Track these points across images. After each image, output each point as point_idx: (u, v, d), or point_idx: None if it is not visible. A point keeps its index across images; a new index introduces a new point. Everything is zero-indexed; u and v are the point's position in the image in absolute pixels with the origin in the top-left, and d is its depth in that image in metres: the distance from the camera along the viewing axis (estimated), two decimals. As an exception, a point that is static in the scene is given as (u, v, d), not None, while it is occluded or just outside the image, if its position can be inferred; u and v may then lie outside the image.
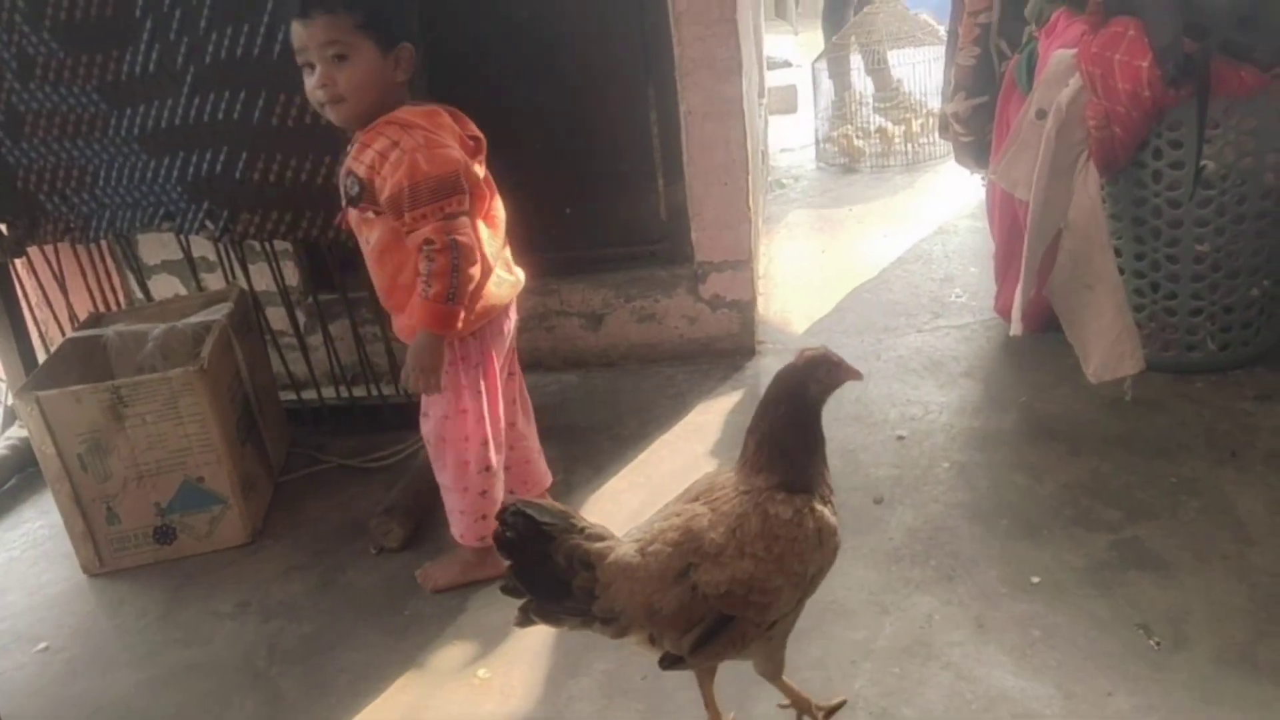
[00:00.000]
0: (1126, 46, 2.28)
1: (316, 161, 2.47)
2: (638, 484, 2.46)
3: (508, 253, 2.10)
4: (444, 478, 2.09)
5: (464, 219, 1.84)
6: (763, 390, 2.62)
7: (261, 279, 2.82)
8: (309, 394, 2.88)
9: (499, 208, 2.06)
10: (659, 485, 2.43)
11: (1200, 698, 1.67)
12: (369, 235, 1.93)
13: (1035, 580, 1.98)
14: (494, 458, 2.06)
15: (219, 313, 2.55)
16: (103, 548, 2.36)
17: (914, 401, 2.65)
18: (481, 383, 2.01)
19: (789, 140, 4.97)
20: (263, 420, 2.59)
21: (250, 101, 2.44)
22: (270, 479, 2.60)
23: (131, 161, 2.61)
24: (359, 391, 2.88)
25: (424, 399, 2.03)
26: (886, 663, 1.83)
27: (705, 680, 1.62)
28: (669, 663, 1.52)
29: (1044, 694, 1.71)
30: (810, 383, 1.51)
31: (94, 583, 2.37)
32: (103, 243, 2.90)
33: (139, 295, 2.99)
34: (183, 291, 3.04)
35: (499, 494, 2.09)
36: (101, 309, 2.85)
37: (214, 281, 2.94)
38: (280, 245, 2.81)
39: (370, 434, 2.75)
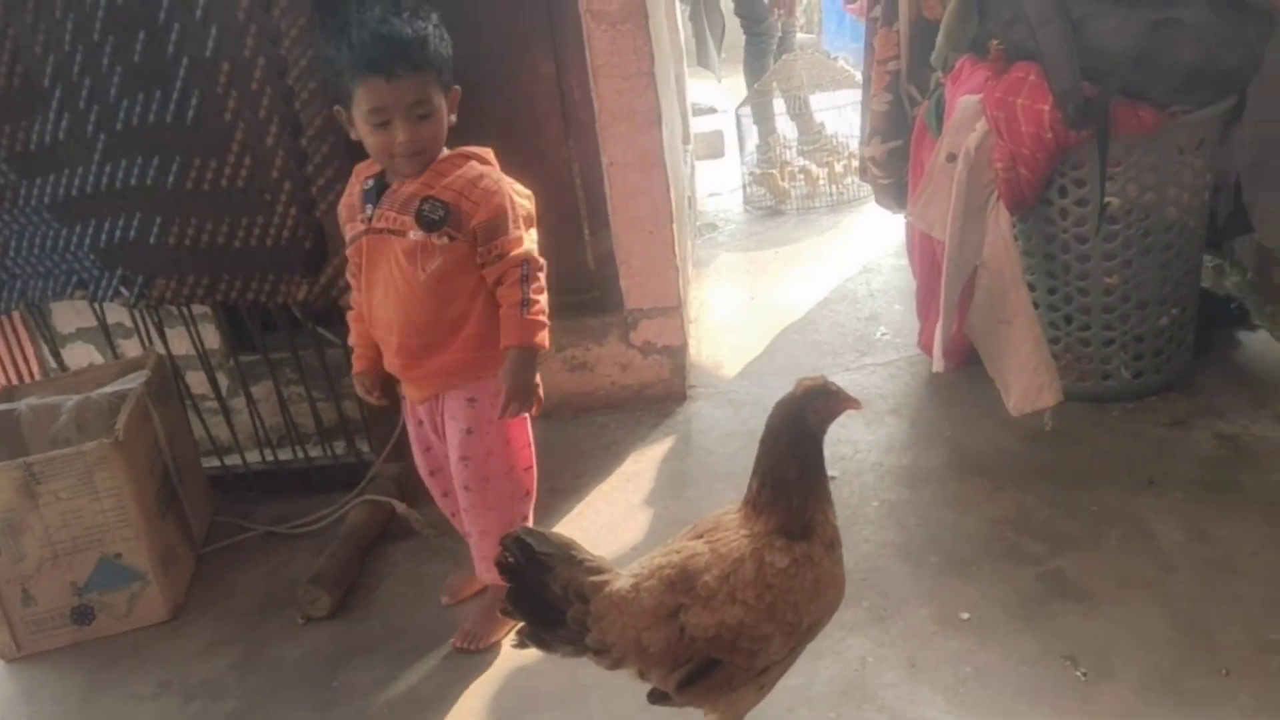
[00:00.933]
0: (1028, 91, 2.35)
1: (234, 224, 2.45)
2: (573, 537, 2.43)
3: None
4: (488, 519, 2.03)
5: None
6: (695, 436, 2.63)
7: (180, 343, 2.77)
8: (233, 459, 2.82)
9: None
10: (594, 538, 2.41)
11: (1128, 728, 1.69)
12: (426, 264, 1.89)
13: (965, 616, 2.00)
14: (532, 485, 2.12)
15: (135, 381, 2.49)
16: (19, 631, 2.27)
17: (844, 441, 2.67)
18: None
19: (716, 185, 5.02)
20: (183, 490, 2.52)
21: (164, 166, 2.41)
22: (192, 551, 2.53)
23: (43, 231, 2.55)
24: (285, 454, 2.82)
25: (462, 442, 2.00)
26: (823, 709, 1.83)
27: None
28: (656, 698, 1.54)
29: (977, 733, 1.73)
30: (808, 413, 1.52)
31: (10, 668, 2.28)
32: (15, 313, 2.83)
33: (53, 365, 2.91)
34: (99, 359, 2.96)
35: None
36: (14, 381, 2.77)
37: (131, 348, 2.87)
38: (199, 308, 2.77)
39: (297, 498, 2.70)
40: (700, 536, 1.56)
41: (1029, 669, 1.85)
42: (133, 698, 2.11)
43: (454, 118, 1.95)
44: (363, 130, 1.87)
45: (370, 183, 1.94)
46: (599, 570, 1.51)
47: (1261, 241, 2.87)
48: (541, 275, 1.94)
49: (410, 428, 2.15)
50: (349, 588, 2.31)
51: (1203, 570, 2.02)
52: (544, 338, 1.93)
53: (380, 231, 1.91)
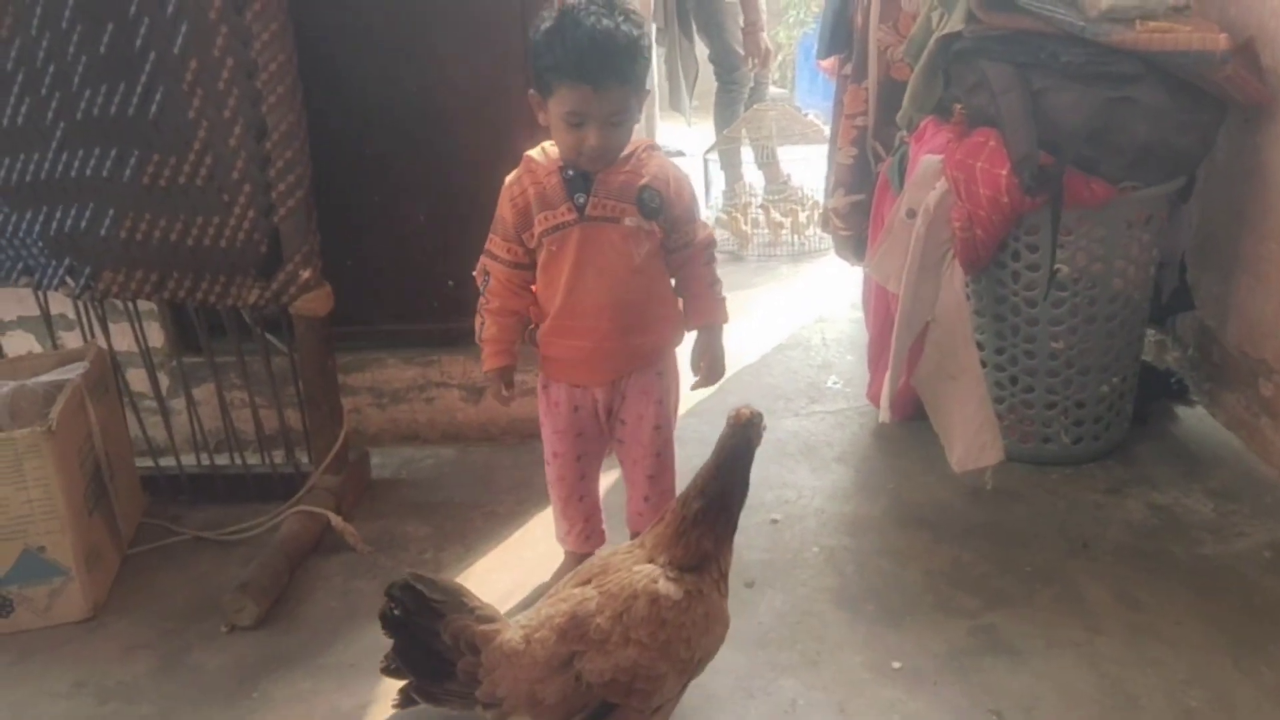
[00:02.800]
0: (988, 155, 2.41)
1: (189, 222, 2.42)
2: (510, 563, 2.42)
3: None
4: (669, 478, 2.18)
5: None
6: None
7: (123, 339, 2.71)
8: (168, 461, 2.76)
9: None
10: (532, 565, 2.39)
11: (1048, 785, 1.71)
12: (639, 249, 1.97)
13: (897, 665, 2.00)
14: None
15: (73, 372, 2.43)
16: (-71, 621, 2.19)
17: (789, 485, 2.68)
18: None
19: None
20: (114, 487, 2.46)
21: (122, 159, 2.38)
22: (118, 551, 2.46)
23: (-9, 214, 2.50)
24: (221, 460, 2.77)
25: (656, 412, 2.12)
26: (749, 752, 1.82)
27: None
28: None
29: (900, 782, 1.73)
30: (755, 439, 1.63)
31: (-82, 659, 2.19)
32: (-46, 296, 2.76)
33: (-10, 352, 2.83)
34: (39, 349, 2.89)
35: None
36: (-53, 365, 2.69)
37: (72, 340, 2.81)
38: (144, 305, 2.72)
39: (231, 505, 2.64)
40: (587, 582, 1.55)
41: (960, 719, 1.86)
42: (46, 695, 2.03)
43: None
44: (555, 124, 1.92)
45: (571, 173, 1.96)
46: (490, 619, 1.49)
47: (1203, 320, 2.95)
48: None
49: (559, 416, 2.15)
50: (277, 598, 2.26)
51: (1129, 635, 2.05)
52: (728, 313, 2.13)
53: (596, 219, 1.95)
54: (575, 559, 2.22)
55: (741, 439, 1.58)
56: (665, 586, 1.49)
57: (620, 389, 2.11)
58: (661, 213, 1.97)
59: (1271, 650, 1.99)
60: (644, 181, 1.95)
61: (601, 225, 1.95)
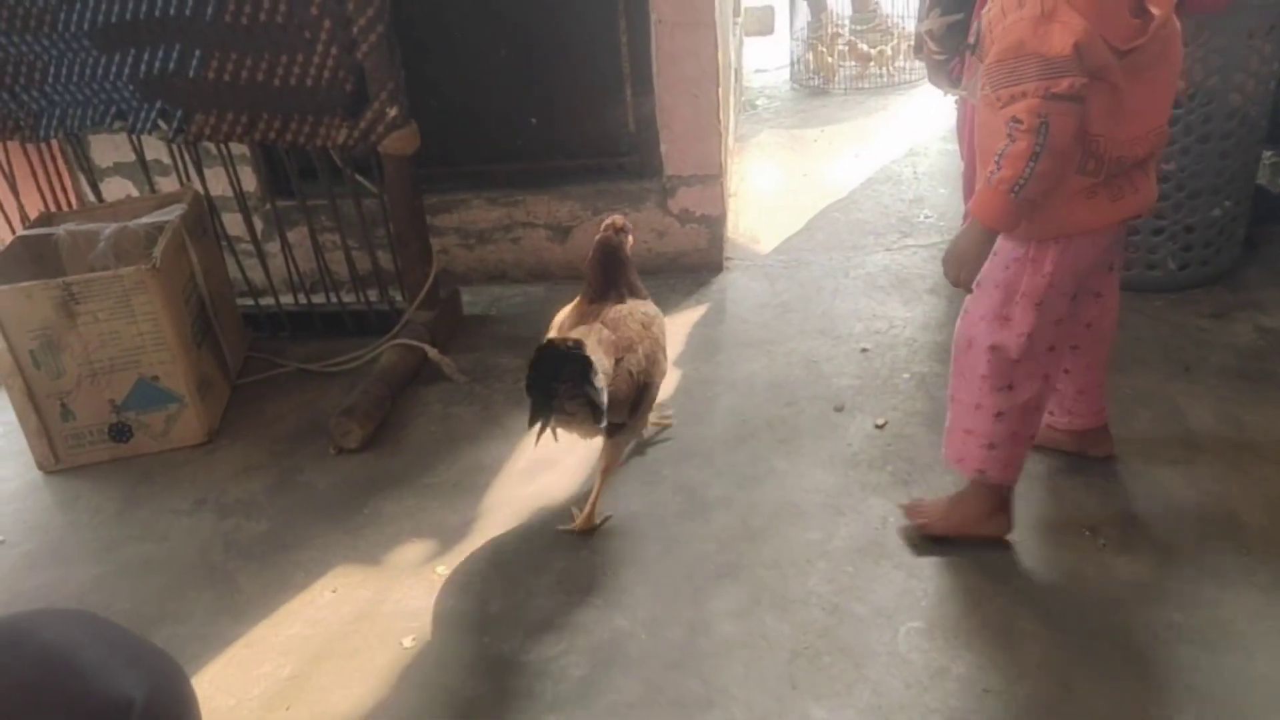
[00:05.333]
0: (1100, -43, 2.24)
1: (273, 61, 2.41)
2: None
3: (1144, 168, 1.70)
4: (958, 388, 1.83)
5: (1072, 104, 1.52)
6: (729, 305, 2.66)
7: (217, 183, 2.76)
8: (267, 301, 2.84)
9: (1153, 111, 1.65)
10: (621, 394, 2.42)
11: (1143, 596, 1.71)
12: (975, 89, 1.70)
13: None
14: (1027, 383, 1.76)
15: (173, 214, 2.49)
16: (58, 444, 2.34)
17: (879, 316, 2.65)
18: (1043, 296, 1.71)
19: (764, 62, 4.90)
20: (219, 323, 2.55)
21: (203, -3, 2.37)
22: (227, 381, 2.57)
23: (82, 58, 2.52)
24: (318, 299, 2.84)
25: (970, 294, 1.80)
26: (841, 562, 1.86)
27: (606, 481, 2.02)
28: (613, 430, 1.95)
29: (989, 588, 1.75)
30: (621, 240, 2.16)
31: (50, 479, 2.35)
32: (53, 143, 2.82)
33: (91, 197, 2.92)
34: (136, 194, 2.97)
35: (1027, 428, 1.80)
36: (53, 209, 2.78)
37: (168, 185, 2.87)
38: (237, 150, 2.75)
39: (330, 340, 2.73)
40: (580, 324, 2.02)
41: (1052, 536, 1.86)
42: (169, 512, 2.17)
43: None
44: None
45: None
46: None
47: (1326, 138, 2.77)
48: (1029, 139, 1.54)
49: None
50: (380, 423, 2.35)
51: (1231, 453, 2.01)
52: (997, 216, 1.63)
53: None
54: None
55: (606, 247, 2.13)
56: (640, 308, 2.10)
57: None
58: (976, 50, 1.71)
59: (1383, 469, 1.94)
60: (980, 11, 1.70)
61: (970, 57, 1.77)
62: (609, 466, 2.01)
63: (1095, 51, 1.51)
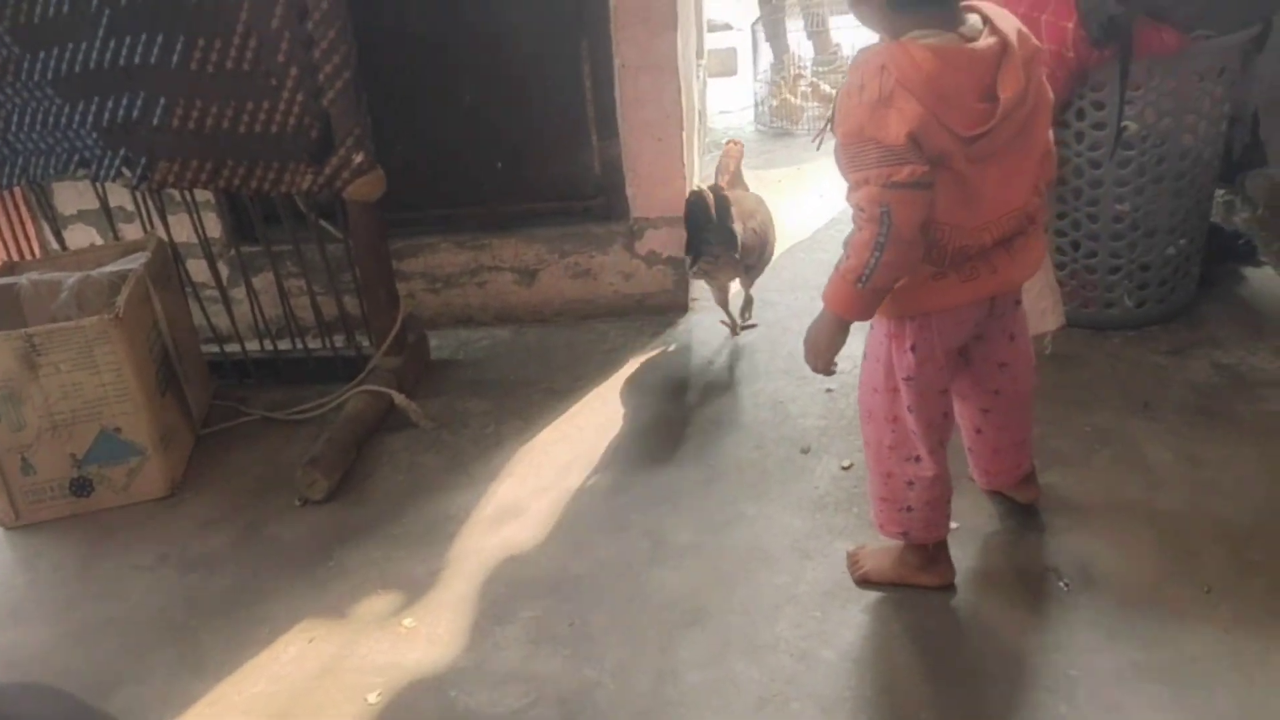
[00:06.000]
0: (1054, 7, 2.30)
1: (239, 108, 2.41)
2: (569, 436, 2.46)
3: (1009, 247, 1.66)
4: (869, 456, 1.85)
5: (915, 191, 1.48)
6: (695, 345, 2.69)
7: (182, 230, 2.75)
8: (232, 347, 2.83)
9: (1016, 191, 1.62)
10: (590, 437, 2.43)
11: (1105, 635, 1.73)
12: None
13: (954, 526, 2.01)
14: (925, 449, 1.76)
15: (136, 262, 2.48)
16: (18, 500, 2.30)
17: (843, 356, 2.59)
18: (913, 372, 1.70)
19: (728, 103, 4.96)
20: (183, 371, 2.53)
21: (168, 45, 2.37)
22: (191, 431, 2.55)
23: (45, 106, 2.52)
24: (284, 344, 2.83)
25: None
26: (809, 607, 1.86)
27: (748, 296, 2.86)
28: (747, 269, 2.73)
29: (954, 631, 1.76)
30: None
31: (9, 536, 2.31)
32: (16, 190, 2.81)
33: (54, 245, 2.89)
34: (99, 242, 2.95)
35: (944, 492, 1.80)
36: (15, 258, 2.76)
37: (132, 232, 2.86)
38: (201, 196, 2.75)
39: (296, 387, 2.71)
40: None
41: (1014, 577, 1.88)
42: (130, 568, 2.14)
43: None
44: None
45: None
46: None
47: (1274, 177, 2.84)
48: (872, 228, 1.51)
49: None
50: (346, 473, 2.33)
51: (1190, 491, 2.04)
52: (844, 306, 1.64)
53: None
54: None
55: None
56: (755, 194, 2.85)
57: None
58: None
59: (1337, 505, 1.97)
60: None
61: None
62: (747, 289, 2.80)
63: (934, 139, 1.47)
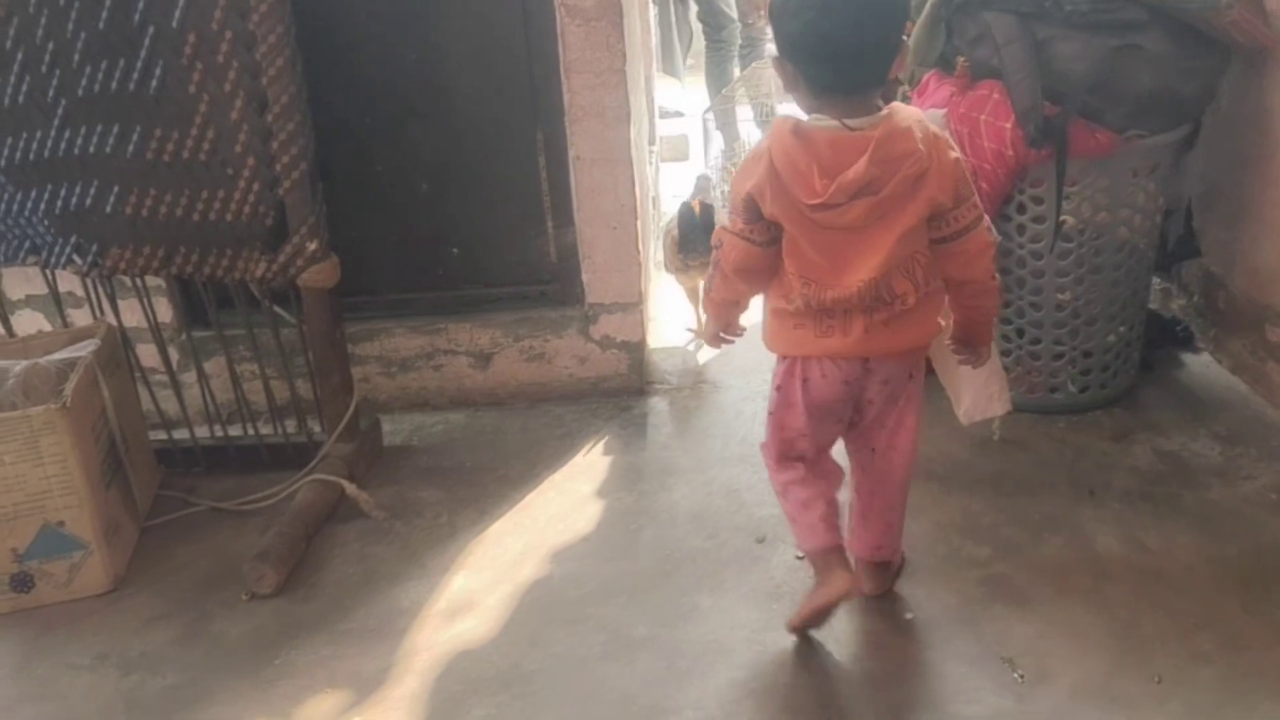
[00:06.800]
0: (991, 108, 2.40)
1: (193, 197, 2.41)
2: (523, 526, 2.44)
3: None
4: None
5: (737, 240, 1.77)
6: (651, 430, 2.68)
7: (132, 315, 2.72)
8: (181, 434, 2.78)
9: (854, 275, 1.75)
10: (544, 527, 2.41)
11: (1060, 728, 1.74)
12: None
13: (909, 616, 2.03)
14: (782, 469, 1.95)
15: (85, 349, 2.44)
16: (-48, 597, 2.23)
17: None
18: (774, 406, 1.94)
19: (681, 188, 5.05)
20: (129, 461, 2.48)
21: (125, 135, 2.37)
22: (136, 523, 2.49)
23: (-3, 193, 2.50)
24: (234, 431, 2.79)
25: None
26: (764, 701, 1.85)
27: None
28: None
29: (914, 728, 1.76)
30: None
31: (-55, 634, 2.22)
32: (-38, 276, 2.77)
33: (1, 331, 2.84)
34: (48, 328, 2.90)
35: (806, 493, 1.93)
36: (-42, 345, 2.70)
37: (81, 317, 2.82)
38: (153, 281, 2.73)
39: (246, 475, 2.66)
40: None
41: (969, 670, 1.88)
42: (69, 668, 2.07)
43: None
44: None
45: None
46: None
47: (1209, 267, 2.95)
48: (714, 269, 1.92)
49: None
50: (295, 566, 2.29)
51: (1138, 580, 2.07)
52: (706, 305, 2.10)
53: None
54: None
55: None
56: None
57: None
58: None
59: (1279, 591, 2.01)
60: None
61: None
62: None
63: (775, 202, 1.70)
